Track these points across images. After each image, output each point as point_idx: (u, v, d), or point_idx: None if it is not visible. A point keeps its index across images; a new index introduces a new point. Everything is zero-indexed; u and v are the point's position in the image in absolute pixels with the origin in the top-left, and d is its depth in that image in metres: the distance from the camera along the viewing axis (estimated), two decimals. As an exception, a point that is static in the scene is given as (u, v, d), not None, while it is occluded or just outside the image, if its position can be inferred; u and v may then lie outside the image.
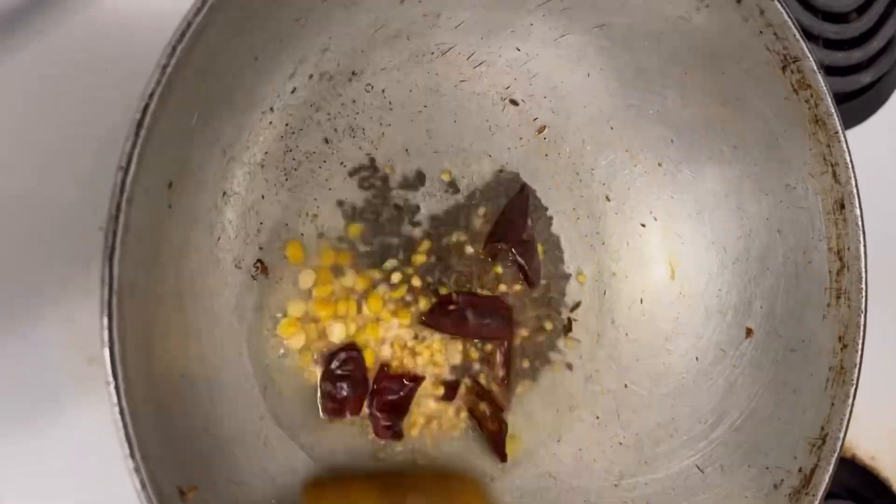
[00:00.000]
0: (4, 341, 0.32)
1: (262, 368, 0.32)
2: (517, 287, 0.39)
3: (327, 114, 0.34)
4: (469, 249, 0.38)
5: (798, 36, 0.33)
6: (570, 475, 0.38)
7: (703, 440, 0.37)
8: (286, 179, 0.33)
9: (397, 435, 0.34)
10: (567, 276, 0.39)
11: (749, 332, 0.38)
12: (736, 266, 0.38)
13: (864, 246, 0.34)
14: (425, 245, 0.37)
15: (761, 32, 0.34)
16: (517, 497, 0.37)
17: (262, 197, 0.33)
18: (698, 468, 0.37)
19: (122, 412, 0.22)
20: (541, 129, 0.39)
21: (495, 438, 0.36)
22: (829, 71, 0.48)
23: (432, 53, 0.36)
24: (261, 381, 0.32)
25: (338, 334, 0.34)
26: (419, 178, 0.37)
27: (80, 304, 0.33)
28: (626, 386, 0.39)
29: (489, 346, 0.37)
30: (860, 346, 0.34)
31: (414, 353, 0.36)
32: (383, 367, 0.35)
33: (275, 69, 0.31)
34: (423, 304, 0.36)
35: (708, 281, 0.39)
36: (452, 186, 0.37)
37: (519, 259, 0.37)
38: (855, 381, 0.34)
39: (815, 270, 0.36)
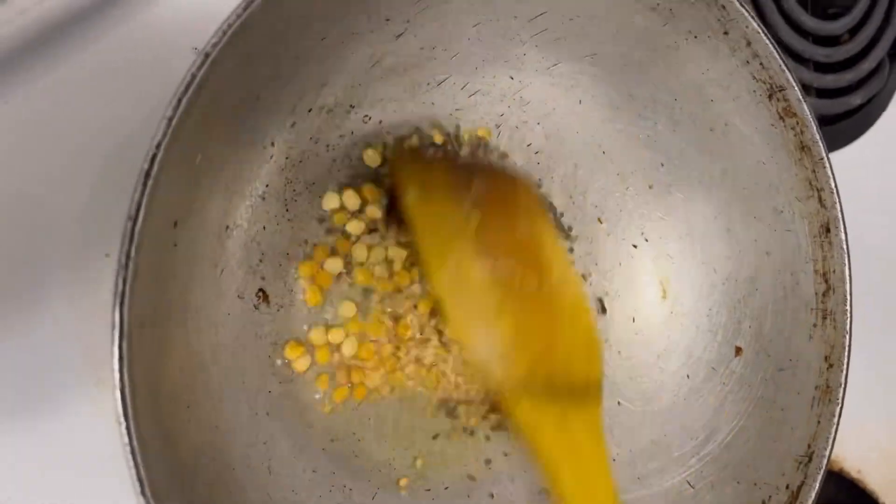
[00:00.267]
0: (12, 346, 0.33)
1: (265, 395, 0.33)
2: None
3: (326, 145, 0.35)
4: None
5: (783, 66, 0.34)
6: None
7: (694, 457, 0.38)
8: (287, 210, 0.34)
9: None
10: (561, 297, 0.40)
11: (738, 350, 0.39)
12: (726, 286, 0.39)
13: (849, 269, 0.36)
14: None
15: (748, 62, 0.35)
16: (514, 513, 0.38)
17: (264, 228, 0.34)
18: (689, 484, 0.38)
19: (133, 452, 0.23)
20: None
21: None
22: (820, 93, 0.49)
23: (428, 84, 0.37)
24: (263, 408, 0.33)
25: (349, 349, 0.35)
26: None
27: (88, 317, 0.34)
28: (619, 403, 0.40)
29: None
30: (845, 366, 0.35)
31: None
32: None
33: (275, 106, 0.32)
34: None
35: (698, 301, 0.40)
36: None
37: None
38: (840, 400, 0.35)
39: (801, 292, 0.37)
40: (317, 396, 0.35)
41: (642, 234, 0.41)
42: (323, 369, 0.35)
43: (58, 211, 0.34)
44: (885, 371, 0.49)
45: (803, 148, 0.35)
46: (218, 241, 0.31)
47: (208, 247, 0.31)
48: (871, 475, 0.48)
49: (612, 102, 0.39)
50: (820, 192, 0.36)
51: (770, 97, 0.35)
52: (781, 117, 0.36)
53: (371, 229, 0.36)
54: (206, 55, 0.24)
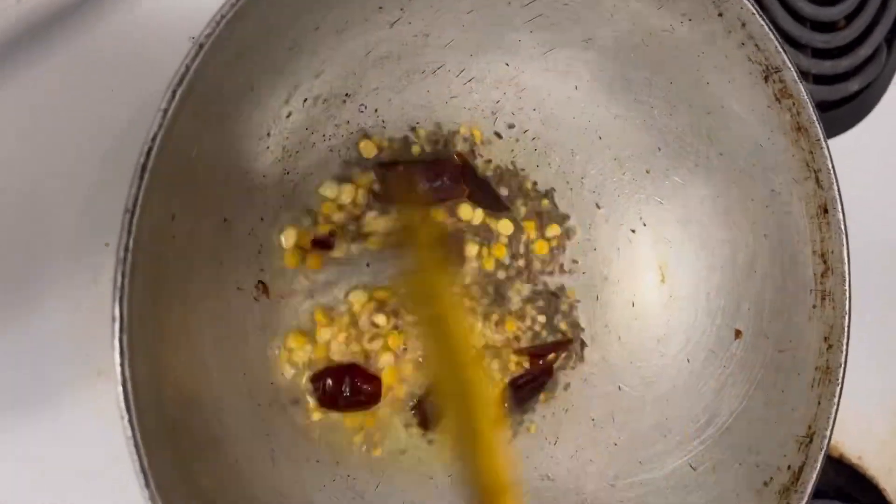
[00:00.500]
0: (11, 339, 0.33)
1: (267, 386, 0.33)
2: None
3: (322, 135, 0.35)
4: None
5: (779, 48, 0.34)
6: (567, 477, 0.39)
7: (696, 440, 0.38)
8: (285, 201, 0.34)
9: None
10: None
11: (738, 333, 0.39)
12: (724, 269, 0.39)
13: (848, 249, 0.36)
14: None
15: (743, 44, 0.35)
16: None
17: (262, 219, 0.33)
18: (691, 467, 0.38)
19: (136, 445, 0.23)
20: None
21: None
22: (817, 79, 0.49)
23: (423, 72, 0.37)
24: (266, 399, 0.33)
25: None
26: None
27: (88, 309, 0.34)
28: (619, 388, 0.40)
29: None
30: (845, 347, 0.35)
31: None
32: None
33: (270, 97, 0.32)
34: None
35: (697, 284, 0.40)
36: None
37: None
38: (840, 381, 0.35)
39: (800, 273, 0.37)
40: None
41: (640, 218, 0.41)
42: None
43: (56, 202, 0.34)
44: (885, 357, 0.50)
45: (800, 129, 0.35)
46: (216, 234, 0.31)
47: (207, 239, 0.30)
48: (871, 461, 0.48)
49: (608, 87, 0.39)
50: (817, 173, 0.36)
51: (766, 79, 0.35)
52: (778, 99, 0.35)
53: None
54: (200, 45, 0.24)
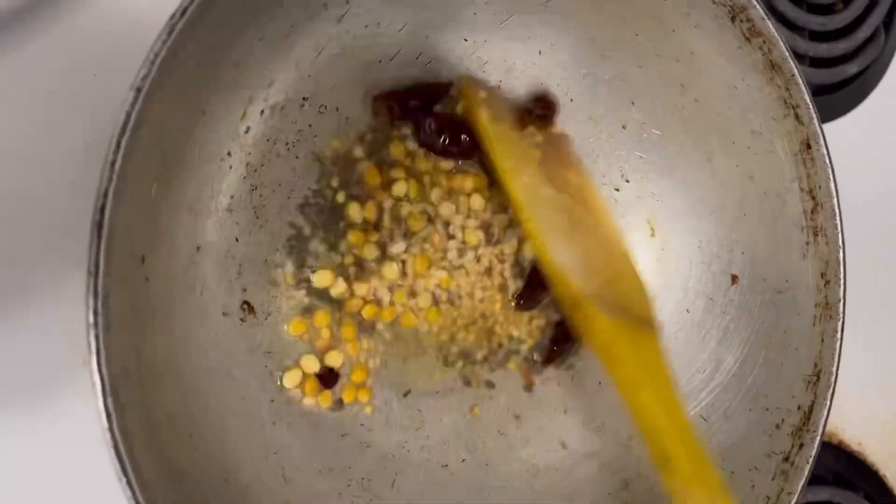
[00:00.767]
0: None
1: (267, 405, 0.33)
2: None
3: (286, 144, 0.34)
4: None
5: (741, -15, 0.33)
6: (581, 443, 0.39)
7: (704, 390, 0.38)
8: (257, 217, 0.34)
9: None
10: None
11: (734, 278, 0.39)
12: (713, 216, 0.39)
13: (835, 183, 0.35)
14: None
15: (705, -13, 0.33)
16: (532, 474, 0.38)
17: (237, 240, 0.33)
18: (703, 418, 0.38)
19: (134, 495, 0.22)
20: None
21: None
22: (815, 62, 0.48)
23: (380, 62, 0.35)
24: (269, 418, 0.33)
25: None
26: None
27: (73, 300, 0.34)
28: (622, 347, 0.40)
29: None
30: (842, 281, 0.35)
31: None
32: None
33: (224, 116, 0.31)
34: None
35: (688, 234, 0.40)
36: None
37: None
38: (841, 316, 0.35)
39: (790, 211, 0.36)
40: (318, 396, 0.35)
41: (622, 175, 0.40)
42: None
43: (39, 193, 0.34)
44: (883, 344, 0.49)
45: (773, 67, 0.34)
46: (191, 264, 0.31)
47: (182, 272, 0.30)
48: (871, 447, 0.48)
49: (573, 48, 0.37)
50: (796, 109, 0.35)
51: (733, 20, 0.34)
52: (747, 38, 0.34)
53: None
54: (138, 90, 0.23)
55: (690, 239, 0.40)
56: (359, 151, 0.36)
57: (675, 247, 0.40)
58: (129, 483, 0.22)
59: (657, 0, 0.35)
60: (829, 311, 0.35)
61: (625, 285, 0.37)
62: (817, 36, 0.48)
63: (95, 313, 0.22)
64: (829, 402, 0.35)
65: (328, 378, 0.35)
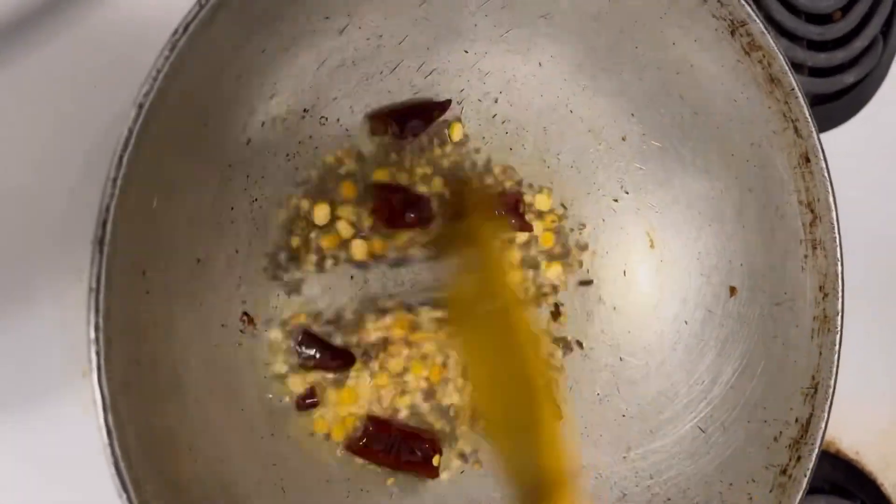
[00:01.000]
0: None
1: (266, 417, 0.33)
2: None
3: (286, 155, 0.34)
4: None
5: (742, 0, 0.33)
6: (580, 454, 0.39)
7: (702, 401, 0.38)
8: (257, 229, 0.34)
9: None
10: (549, 262, 0.40)
11: (733, 290, 0.39)
12: (712, 227, 0.39)
13: (833, 196, 0.35)
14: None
15: (705, 1, 0.33)
16: (532, 484, 0.38)
17: (236, 251, 0.33)
18: (701, 429, 0.38)
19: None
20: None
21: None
22: (813, 72, 0.48)
23: (381, 73, 0.35)
24: (268, 430, 0.33)
25: None
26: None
27: (74, 307, 0.34)
28: (621, 359, 0.40)
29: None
30: (840, 294, 0.35)
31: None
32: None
33: (226, 128, 0.31)
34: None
35: (686, 246, 0.40)
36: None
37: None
38: (839, 329, 0.35)
39: (789, 224, 0.36)
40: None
41: (622, 187, 0.40)
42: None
43: (40, 200, 0.34)
44: (881, 353, 0.49)
45: (773, 80, 0.35)
46: (192, 277, 0.31)
47: (183, 284, 0.30)
48: (868, 456, 0.48)
49: (573, 60, 0.37)
50: (795, 123, 0.35)
51: (732, 33, 0.34)
52: (747, 52, 0.35)
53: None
54: (140, 106, 0.23)
55: (689, 250, 0.40)
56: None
57: (673, 258, 0.40)
58: (129, 499, 0.22)
59: (657, 13, 0.35)
60: (827, 324, 0.35)
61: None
62: (815, 45, 0.48)
63: (97, 329, 0.22)
64: (826, 415, 0.35)
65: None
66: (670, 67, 0.36)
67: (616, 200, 0.40)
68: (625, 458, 0.39)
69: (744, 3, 0.33)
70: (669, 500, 0.37)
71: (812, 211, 0.36)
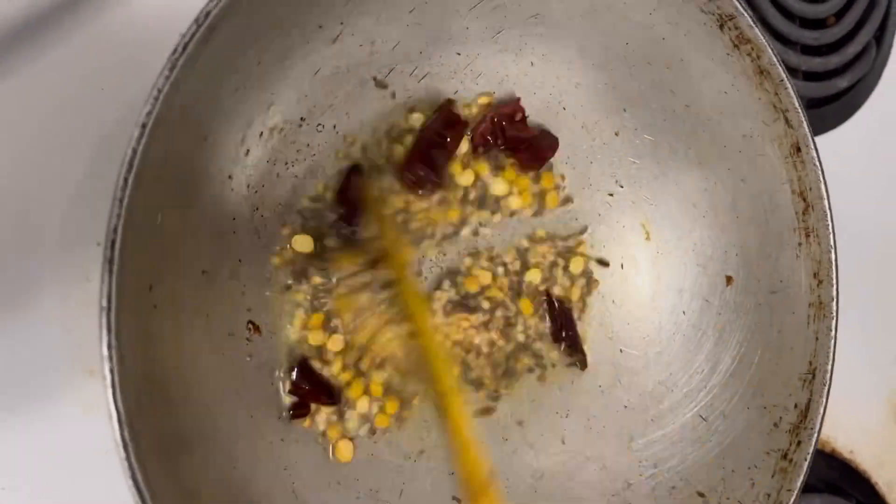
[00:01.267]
0: (2, 340, 0.34)
1: (275, 422, 0.34)
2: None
3: (285, 164, 0.34)
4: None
5: (729, -6, 0.34)
6: (584, 446, 0.40)
7: (702, 390, 0.39)
8: (259, 237, 0.34)
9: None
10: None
11: (729, 280, 0.39)
12: (707, 219, 0.39)
13: (825, 185, 0.35)
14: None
15: (692, -4, 0.34)
16: (536, 478, 0.39)
17: (240, 261, 0.33)
18: (702, 417, 0.39)
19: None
20: None
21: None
22: (807, 76, 0.49)
23: (375, 78, 0.36)
24: (277, 435, 0.33)
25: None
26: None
27: (79, 311, 0.35)
28: (621, 351, 0.41)
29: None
30: (835, 280, 0.36)
31: None
32: None
33: (225, 141, 0.31)
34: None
35: (682, 237, 0.40)
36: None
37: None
38: (835, 315, 0.36)
39: (782, 213, 0.37)
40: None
41: (616, 181, 0.41)
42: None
43: (46, 201, 0.35)
44: (875, 352, 0.50)
45: (762, 72, 0.35)
46: (197, 288, 0.31)
47: (189, 296, 0.30)
48: (863, 455, 0.49)
49: (564, 58, 0.38)
50: (785, 114, 0.35)
51: (721, 27, 0.35)
52: (736, 45, 0.35)
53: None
54: (143, 126, 0.23)
55: (685, 242, 0.40)
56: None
57: (669, 250, 0.41)
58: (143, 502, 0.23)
59: (646, 10, 0.35)
60: (822, 310, 0.36)
61: None
62: (810, 50, 0.49)
63: (110, 347, 0.23)
64: (825, 400, 0.36)
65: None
66: (660, 62, 0.37)
67: (611, 195, 0.41)
68: (628, 448, 0.39)
69: (731, -3, 0.34)
70: (674, 488, 0.38)
71: (804, 200, 0.36)
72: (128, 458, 0.23)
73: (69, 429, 0.35)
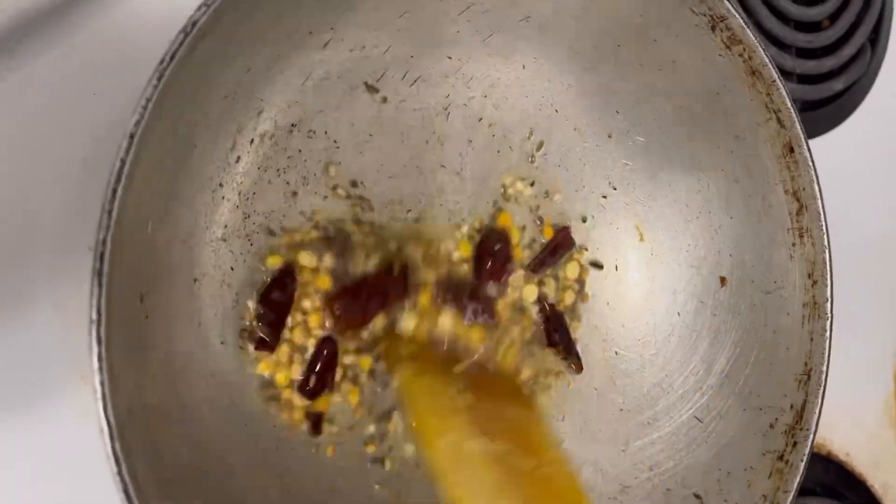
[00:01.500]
0: None
1: (269, 430, 0.33)
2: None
3: (276, 170, 0.34)
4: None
5: (720, -4, 0.34)
6: (580, 450, 0.39)
7: (698, 391, 0.39)
8: (251, 244, 0.34)
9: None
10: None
11: (723, 281, 0.39)
12: (700, 220, 0.39)
13: (819, 186, 0.35)
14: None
15: (683, -3, 0.34)
16: (534, 482, 0.39)
17: (231, 269, 0.33)
18: (697, 419, 0.38)
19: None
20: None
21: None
22: (802, 79, 0.49)
23: (366, 83, 0.36)
24: (272, 443, 0.33)
25: None
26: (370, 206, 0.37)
27: (72, 312, 0.34)
28: (616, 353, 0.41)
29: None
30: (829, 281, 0.36)
31: None
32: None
33: (215, 149, 0.31)
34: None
35: (675, 238, 0.40)
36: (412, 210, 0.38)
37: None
38: (829, 315, 0.36)
39: (775, 213, 0.37)
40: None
41: (609, 183, 0.41)
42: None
43: (39, 205, 0.35)
44: (870, 356, 0.50)
45: (754, 73, 0.35)
46: (189, 297, 0.31)
47: (180, 306, 0.30)
48: (858, 458, 0.49)
49: (556, 61, 0.38)
50: (777, 114, 0.35)
51: (713, 28, 0.35)
52: (727, 46, 0.35)
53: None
54: (131, 136, 0.23)
55: (678, 243, 0.40)
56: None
57: (663, 251, 0.40)
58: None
59: (638, 11, 0.35)
60: (817, 310, 0.36)
61: None
62: (804, 53, 0.49)
63: (100, 359, 0.22)
64: (820, 400, 0.36)
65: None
66: (653, 64, 0.37)
67: (605, 197, 0.41)
68: (623, 451, 0.39)
69: (722, -2, 0.33)
70: (669, 490, 0.38)
71: (798, 200, 0.36)
72: (119, 473, 0.23)
73: (63, 433, 0.35)
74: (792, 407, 0.36)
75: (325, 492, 0.35)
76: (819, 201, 0.36)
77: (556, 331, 0.40)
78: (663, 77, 0.37)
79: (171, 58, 0.24)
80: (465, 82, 0.38)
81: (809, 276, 0.36)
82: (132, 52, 0.35)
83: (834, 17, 0.50)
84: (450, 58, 0.37)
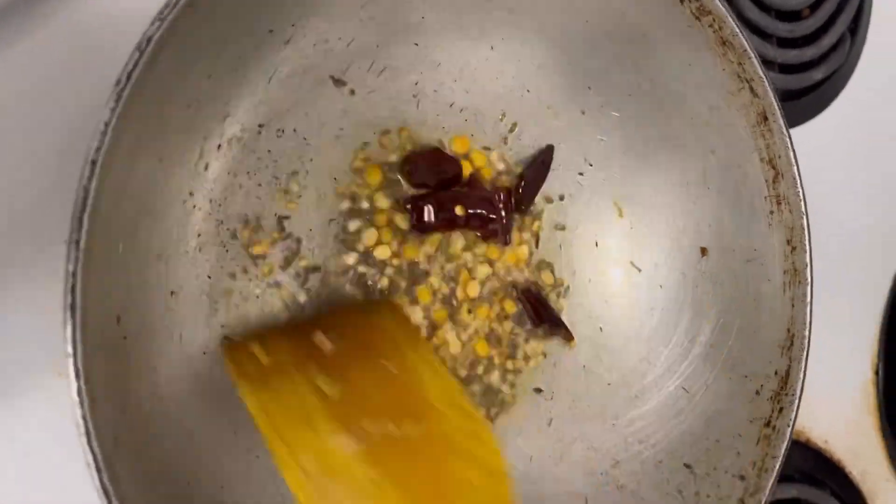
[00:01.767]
0: None
1: (259, 436, 0.33)
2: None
3: (247, 174, 0.34)
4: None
5: (687, -32, 0.33)
6: (570, 427, 0.40)
7: (684, 362, 0.39)
8: (227, 251, 0.33)
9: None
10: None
11: (704, 251, 0.39)
12: (678, 191, 0.39)
13: (794, 153, 0.35)
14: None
15: (651, -30, 0.33)
16: (526, 461, 0.39)
17: (209, 277, 0.33)
18: (685, 390, 0.39)
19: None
20: None
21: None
22: (783, 69, 0.49)
23: (332, 77, 0.35)
24: (263, 448, 0.33)
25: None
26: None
27: (49, 306, 0.34)
28: (600, 329, 0.41)
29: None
30: (808, 246, 0.36)
31: None
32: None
33: (182, 158, 0.30)
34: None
35: (654, 211, 0.40)
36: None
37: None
38: (810, 280, 0.36)
39: (752, 182, 0.37)
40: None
41: (586, 159, 0.40)
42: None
43: (13, 198, 0.34)
44: (849, 344, 0.51)
45: (725, 43, 0.35)
46: (167, 311, 0.30)
47: (159, 321, 0.30)
48: (837, 445, 0.50)
49: (524, 40, 0.37)
50: (750, 83, 0.35)
51: (681, 1, 0.34)
52: (697, 17, 0.34)
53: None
54: (93, 163, 0.22)
55: (657, 216, 0.40)
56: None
57: (643, 225, 0.40)
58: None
59: (605, -14, 0.34)
60: (797, 276, 0.36)
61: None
62: (785, 42, 0.49)
63: (79, 393, 0.22)
64: (804, 366, 0.36)
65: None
66: (622, 38, 0.36)
67: (581, 174, 0.40)
68: (613, 425, 0.40)
69: (689, -30, 0.33)
70: (661, 462, 0.38)
71: (774, 167, 0.36)
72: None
73: (38, 429, 0.34)
74: (776, 373, 0.36)
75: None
76: (795, 167, 0.36)
77: (542, 307, 0.40)
78: (634, 51, 0.37)
79: (128, 78, 0.23)
80: (434, 69, 0.37)
81: (788, 242, 0.36)
82: (108, 37, 0.34)
83: (814, 6, 0.50)
84: (416, 44, 0.36)
